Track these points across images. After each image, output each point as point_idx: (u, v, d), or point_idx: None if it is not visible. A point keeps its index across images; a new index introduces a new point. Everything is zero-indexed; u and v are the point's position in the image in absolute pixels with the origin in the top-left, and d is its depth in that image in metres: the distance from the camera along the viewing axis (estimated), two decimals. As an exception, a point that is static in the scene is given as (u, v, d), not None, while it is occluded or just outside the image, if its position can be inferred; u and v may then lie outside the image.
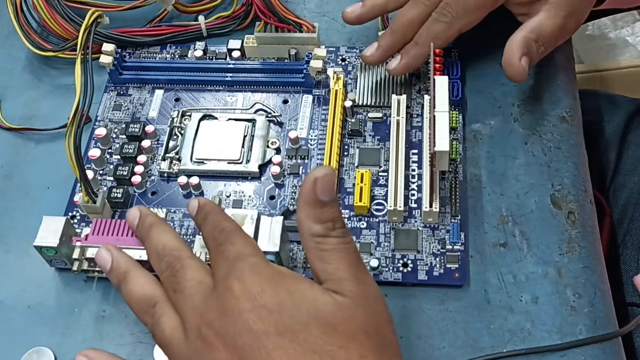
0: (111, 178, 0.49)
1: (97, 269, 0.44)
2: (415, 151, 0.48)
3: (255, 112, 0.52)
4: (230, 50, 0.55)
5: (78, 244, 0.43)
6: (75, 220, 0.47)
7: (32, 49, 0.55)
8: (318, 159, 0.49)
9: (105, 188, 0.48)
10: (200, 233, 0.39)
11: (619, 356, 0.42)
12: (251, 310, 0.32)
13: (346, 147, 0.49)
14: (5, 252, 0.48)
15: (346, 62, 0.54)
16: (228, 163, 0.48)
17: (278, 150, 0.49)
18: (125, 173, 0.48)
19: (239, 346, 0.31)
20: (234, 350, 0.32)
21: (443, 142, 0.41)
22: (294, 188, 0.48)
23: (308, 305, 0.32)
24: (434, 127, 0.42)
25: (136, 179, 0.48)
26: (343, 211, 0.46)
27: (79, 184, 0.47)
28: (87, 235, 0.43)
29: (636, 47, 0.96)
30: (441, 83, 0.44)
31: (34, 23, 0.57)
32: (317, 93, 0.52)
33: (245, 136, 0.49)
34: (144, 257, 0.41)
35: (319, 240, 0.34)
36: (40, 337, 0.44)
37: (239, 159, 0.48)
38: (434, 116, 0.42)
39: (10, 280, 0.46)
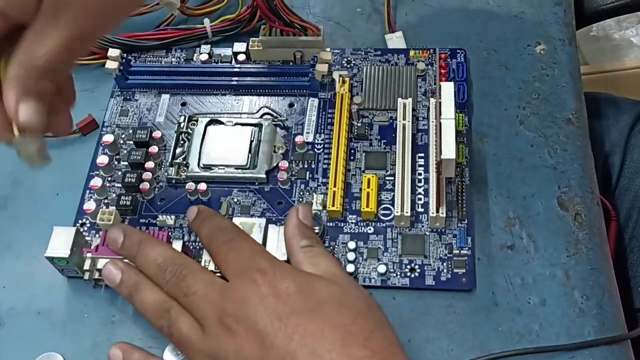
0: (119, 185, 0.49)
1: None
2: (422, 155, 0.48)
3: (262, 116, 0.52)
4: (235, 54, 0.55)
5: (89, 255, 0.43)
6: (85, 228, 0.48)
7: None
8: (325, 163, 0.49)
9: (114, 195, 0.49)
10: (198, 235, 0.42)
11: (628, 358, 0.42)
12: (271, 295, 0.35)
13: (352, 151, 0.50)
14: (15, 258, 0.48)
15: (352, 65, 0.54)
16: (235, 169, 0.49)
17: (285, 155, 0.50)
18: (133, 180, 0.48)
19: (260, 328, 0.34)
20: (255, 332, 0.34)
21: (449, 150, 0.41)
22: (302, 193, 0.48)
23: (321, 290, 0.36)
24: (440, 134, 0.42)
25: (144, 185, 0.48)
26: (350, 216, 0.47)
27: (87, 192, 0.48)
28: (97, 246, 0.43)
29: (641, 48, 0.96)
30: (447, 89, 0.44)
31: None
32: (322, 96, 0.52)
33: (252, 141, 0.50)
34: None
35: (308, 250, 0.39)
36: (50, 342, 0.44)
37: (246, 165, 0.49)
38: (440, 123, 0.43)
39: (20, 286, 0.47)
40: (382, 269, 0.44)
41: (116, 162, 0.50)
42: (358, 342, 0.34)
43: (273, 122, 0.51)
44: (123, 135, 0.52)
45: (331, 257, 0.39)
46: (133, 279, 0.40)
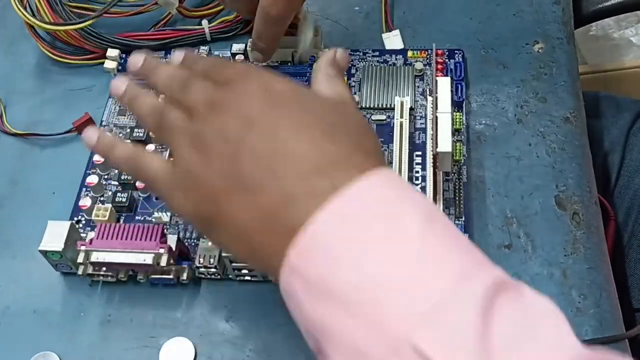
0: (116, 182, 0.49)
1: (101, 272, 0.44)
2: (419, 153, 0.48)
3: (259, 115, 0.52)
4: (233, 55, 0.55)
5: (83, 248, 0.43)
6: (81, 225, 0.47)
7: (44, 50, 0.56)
8: (322, 161, 0.49)
9: (110, 193, 0.49)
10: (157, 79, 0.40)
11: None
12: (265, 90, 0.35)
13: (350, 149, 0.49)
14: (11, 257, 0.48)
15: (350, 65, 0.54)
16: (232, 166, 0.48)
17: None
18: (130, 177, 0.48)
19: (246, 111, 0.34)
20: (243, 115, 0.34)
21: (445, 143, 0.41)
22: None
23: (323, 99, 0.37)
24: (437, 128, 0.42)
25: (140, 183, 0.48)
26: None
27: (84, 189, 0.48)
28: (91, 240, 0.43)
29: (640, 47, 0.96)
30: (443, 84, 0.44)
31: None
32: (320, 96, 0.52)
33: (249, 140, 0.49)
34: (149, 261, 0.41)
35: (332, 75, 0.39)
36: (46, 341, 0.44)
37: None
38: (437, 117, 0.42)
39: (16, 286, 0.47)
40: (378, 266, 0.43)
41: (113, 161, 0.50)
42: (352, 140, 0.33)
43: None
44: (120, 134, 0.52)
45: (349, 90, 0.39)
46: (136, 88, 0.40)
